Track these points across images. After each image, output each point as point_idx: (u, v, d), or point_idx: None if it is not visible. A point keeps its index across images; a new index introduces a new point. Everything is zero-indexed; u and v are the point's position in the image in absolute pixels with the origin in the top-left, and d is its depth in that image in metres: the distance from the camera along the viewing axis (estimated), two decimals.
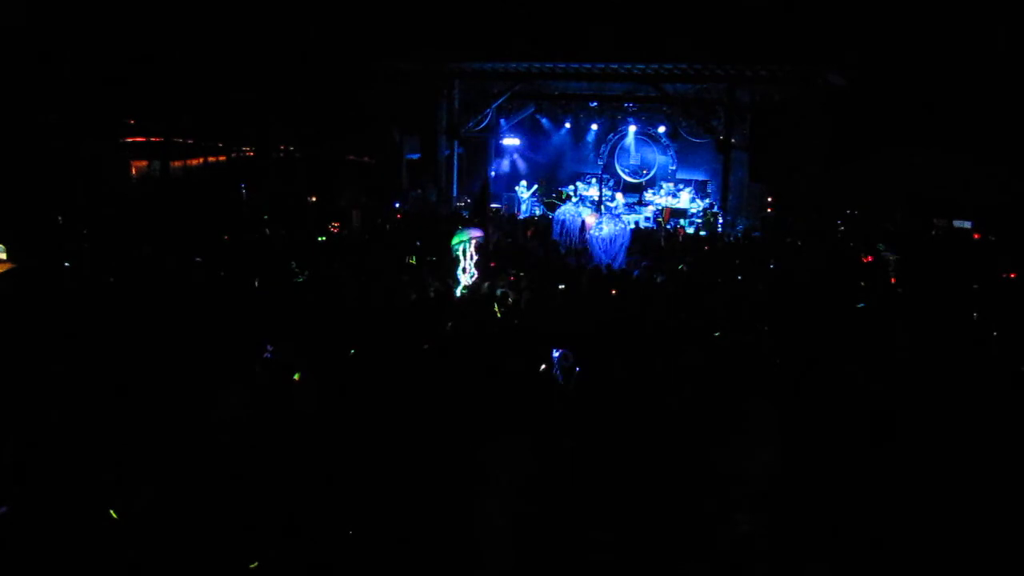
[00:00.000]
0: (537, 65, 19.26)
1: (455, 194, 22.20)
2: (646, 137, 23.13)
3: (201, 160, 22.54)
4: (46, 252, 10.27)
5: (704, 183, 22.70)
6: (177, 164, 21.85)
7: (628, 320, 7.88)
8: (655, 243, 15.64)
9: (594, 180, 22.83)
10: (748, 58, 17.22)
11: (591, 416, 5.29)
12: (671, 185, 22.30)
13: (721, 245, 16.28)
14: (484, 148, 24.38)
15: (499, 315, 8.36)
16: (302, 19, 19.38)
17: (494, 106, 22.53)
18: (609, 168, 23.52)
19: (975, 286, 10.76)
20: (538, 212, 21.42)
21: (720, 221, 19.37)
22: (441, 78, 21.11)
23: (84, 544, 3.72)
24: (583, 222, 14.54)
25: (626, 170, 23.57)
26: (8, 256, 9.19)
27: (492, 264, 11.34)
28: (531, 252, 13.35)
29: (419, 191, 21.82)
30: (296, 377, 5.52)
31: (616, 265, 12.37)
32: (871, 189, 19.01)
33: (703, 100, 20.50)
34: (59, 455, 4.29)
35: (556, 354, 6.15)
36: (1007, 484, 4.35)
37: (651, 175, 23.25)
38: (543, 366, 6.07)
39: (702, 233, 18.85)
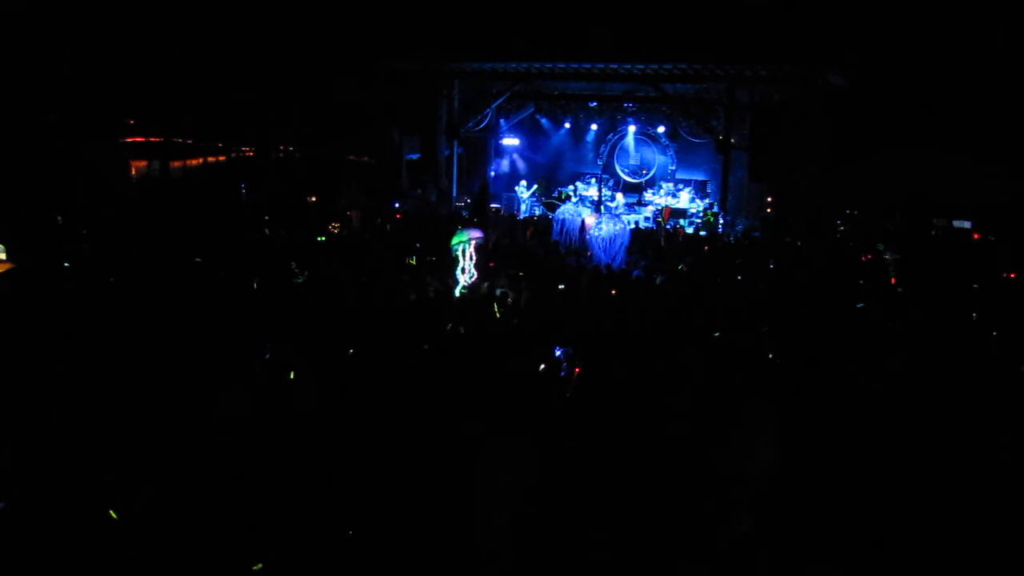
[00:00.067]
0: (537, 65, 19.26)
1: (455, 194, 22.20)
2: (646, 137, 23.14)
3: (201, 160, 22.54)
4: (46, 252, 10.27)
5: (704, 183, 22.71)
6: (177, 164, 21.84)
7: (628, 320, 7.89)
8: (655, 243, 15.64)
9: (594, 180, 22.83)
10: (748, 58, 17.22)
11: (591, 416, 5.29)
12: (671, 185, 22.30)
13: (721, 245, 16.28)
14: (484, 148, 24.38)
15: (498, 315, 8.37)
16: (302, 19, 19.37)
17: (494, 106, 22.54)
18: (609, 168, 23.52)
19: (975, 286, 10.77)
20: (538, 212, 21.42)
21: (721, 221, 19.36)
22: (441, 78, 21.11)
23: (84, 544, 3.72)
24: (583, 222, 14.55)
25: (626, 170, 23.57)
26: (8, 256, 9.19)
27: (492, 264, 11.34)
28: (531, 252, 13.35)
29: (419, 191, 21.82)
30: (292, 375, 5.51)
31: (616, 265, 12.38)
32: (871, 189, 19.01)
33: (703, 100, 20.51)
34: (59, 455, 4.29)
35: (559, 352, 6.16)
36: (1007, 484, 4.35)
37: (651, 175, 23.25)
38: (542, 366, 6.08)
39: (702, 233, 18.85)
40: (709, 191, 22.36)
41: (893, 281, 11.83)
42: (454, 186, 22.30)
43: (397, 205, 20.17)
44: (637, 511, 4.11)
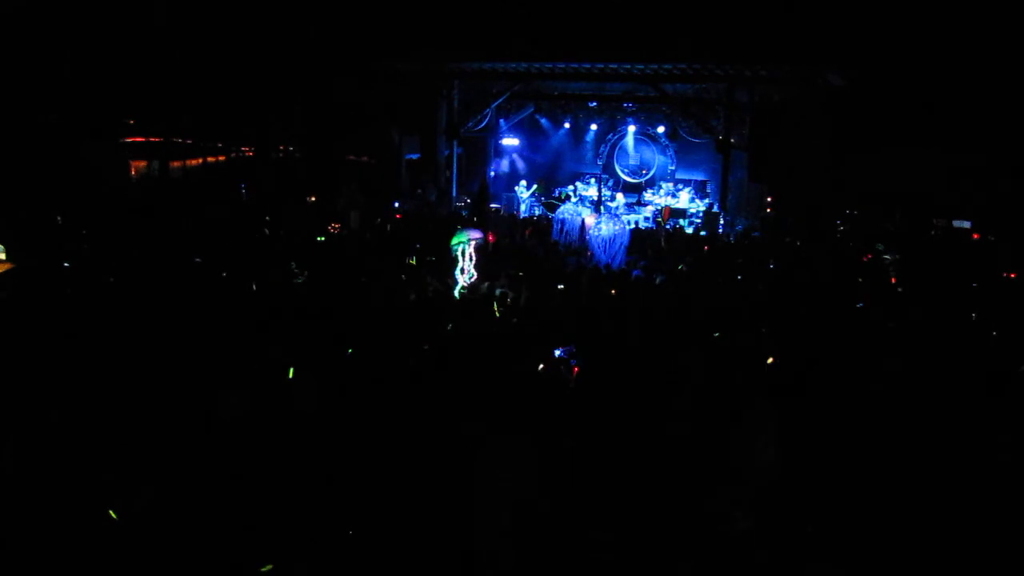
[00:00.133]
0: (537, 65, 19.26)
1: (454, 194, 22.20)
2: (645, 137, 23.15)
3: (201, 160, 22.54)
4: (46, 252, 10.27)
5: (703, 183, 22.72)
6: (176, 164, 21.84)
7: (628, 320, 7.89)
8: (655, 243, 15.64)
9: (593, 180, 22.84)
10: (747, 58, 17.22)
11: (591, 416, 5.29)
12: (670, 185, 22.31)
13: (721, 245, 16.28)
14: (483, 148, 24.38)
15: (498, 315, 8.37)
16: (302, 19, 19.37)
17: (493, 106, 22.54)
18: (608, 168, 23.53)
19: (975, 286, 10.77)
20: (537, 212, 21.42)
21: (721, 221, 19.37)
22: (441, 78, 21.12)
23: (84, 544, 3.72)
24: (583, 222, 14.55)
25: (625, 170, 23.58)
26: (8, 256, 9.19)
27: (492, 264, 11.34)
28: (531, 252, 13.35)
29: (419, 191, 21.82)
30: (292, 375, 5.51)
31: (616, 265, 12.38)
32: (871, 189, 19.02)
33: (702, 100, 20.53)
34: (59, 455, 4.29)
35: (559, 353, 6.16)
36: (1007, 484, 4.35)
37: (650, 175, 23.26)
38: (541, 366, 6.08)
39: (702, 233, 18.86)
40: (709, 191, 22.37)
41: (893, 281, 11.83)
42: (454, 186, 22.30)
43: (397, 205, 20.17)
44: (637, 511, 4.11)
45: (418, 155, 22.39)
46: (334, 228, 15.36)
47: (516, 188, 22.77)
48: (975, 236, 16.85)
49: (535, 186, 22.62)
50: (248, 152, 23.81)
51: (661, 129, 22.65)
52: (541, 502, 3.96)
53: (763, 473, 4.08)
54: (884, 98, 18.29)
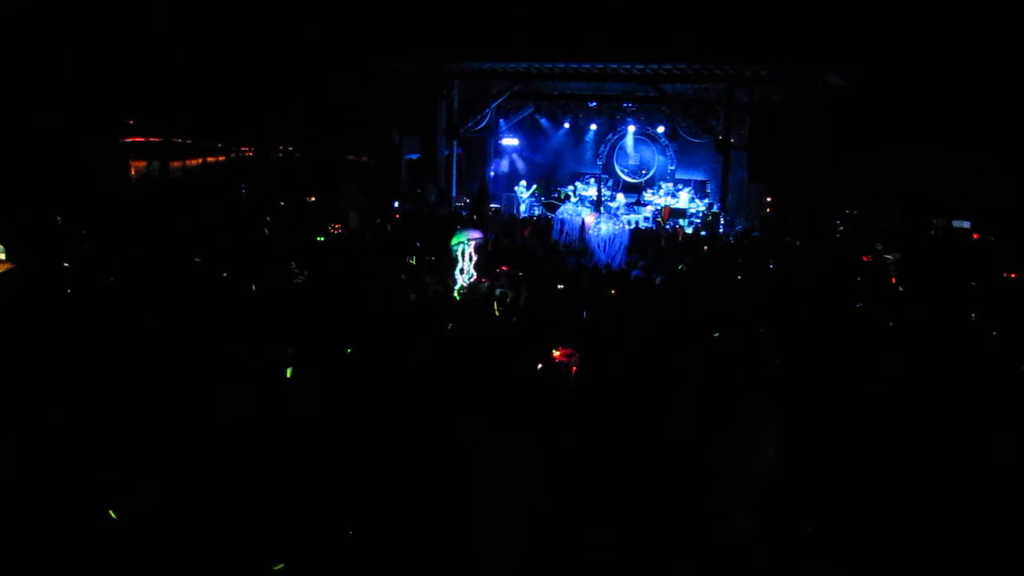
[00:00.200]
0: (537, 65, 19.27)
1: (454, 194, 22.21)
2: (645, 137, 23.15)
3: (201, 160, 22.54)
4: (46, 252, 10.27)
5: (703, 183, 22.72)
6: (176, 164, 21.85)
7: (628, 320, 7.89)
8: (655, 243, 15.65)
9: (593, 180, 22.84)
10: (747, 58, 17.22)
11: (591, 416, 5.29)
12: (670, 185, 22.31)
13: (721, 245, 16.29)
14: (483, 148, 24.39)
15: (498, 315, 8.37)
16: (302, 19, 19.37)
17: (493, 106, 22.55)
18: (608, 168, 23.53)
19: (974, 286, 10.78)
20: (537, 212, 21.42)
21: (722, 221, 19.38)
22: (441, 78, 21.12)
23: (84, 544, 3.72)
24: (583, 222, 14.55)
25: (625, 170, 23.58)
26: (8, 256, 9.19)
27: (491, 264, 11.34)
28: (531, 252, 13.36)
29: (418, 191, 21.83)
30: (292, 375, 5.51)
31: (616, 265, 12.38)
32: (871, 189, 19.02)
33: (702, 100, 20.53)
34: (59, 455, 4.29)
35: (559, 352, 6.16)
36: (1007, 484, 4.35)
37: (650, 175, 23.26)
38: (540, 365, 6.08)
39: (702, 233, 18.87)
40: (709, 191, 22.37)
41: (894, 281, 11.84)
42: (453, 186, 22.30)
43: (397, 205, 20.18)
44: (637, 511, 4.11)
45: (418, 155, 22.40)
46: (334, 228, 15.36)
47: (516, 188, 22.77)
48: (975, 236, 16.86)
49: (535, 186, 22.62)
50: (248, 152, 23.82)
51: (661, 129, 22.65)
52: (541, 502, 3.96)
53: (763, 473, 4.08)
54: (884, 98, 18.31)
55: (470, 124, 22.23)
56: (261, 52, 19.42)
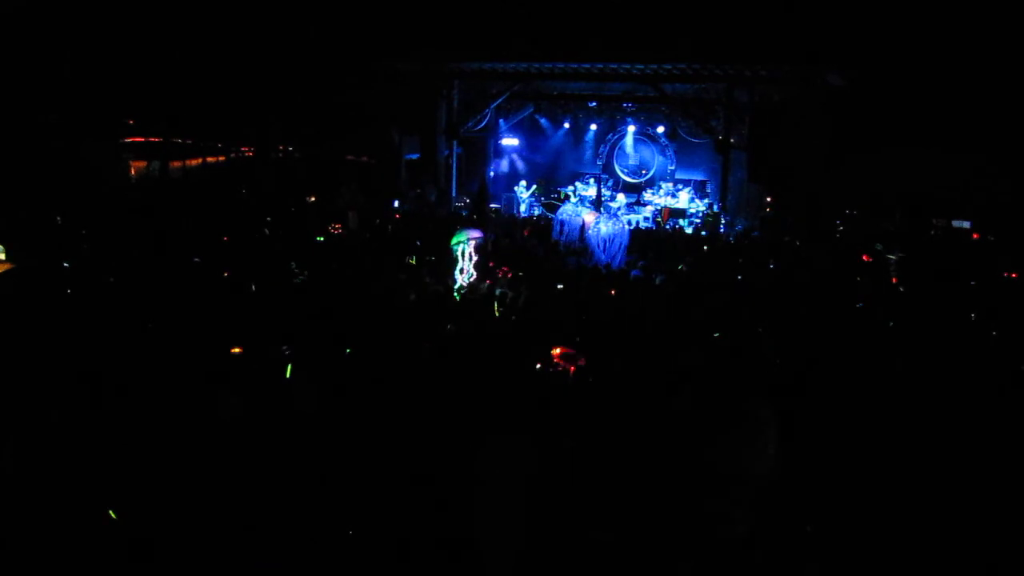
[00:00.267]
0: (536, 65, 19.27)
1: (454, 194, 22.21)
2: (645, 137, 23.15)
3: (200, 160, 22.55)
4: (46, 252, 10.27)
5: (703, 183, 22.72)
6: (176, 164, 21.86)
7: (628, 320, 7.89)
8: (655, 243, 15.65)
9: (593, 180, 22.84)
10: (747, 58, 17.23)
11: (591, 416, 5.29)
12: (670, 185, 22.31)
13: (721, 245, 16.29)
14: (483, 148, 24.39)
15: (498, 315, 8.37)
16: (302, 19, 19.38)
17: (493, 106, 22.54)
18: (608, 168, 23.53)
19: (974, 285, 10.78)
20: (537, 212, 21.42)
21: (722, 221, 19.38)
22: (441, 78, 21.13)
23: (84, 544, 3.72)
24: (583, 222, 14.55)
25: (625, 170, 23.58)
26: (8, 256, 9.19)
27: (491, 264, 11.34)
28: (531, 252, 13.36)
29: (418, 191, 21.84)
30: (291, 375, 5.51)
31: (616, 265, 12.38)
32: (871, 189, 19.03)
33: (702, 100, 20.53)
34: (59, 455, 4.29)
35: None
36: (1007, 484, 4.35)
37: (650, 175, 23.27)
38: (540, 365, 6.08)
39: (702, 233, 18.87)
40: (708, 191, 22.37)
41: (894, 281, 11.84)
42: (453, 186, 22.31)
43: (396, 205, 20.18)
44: (637, 511, 4.11)
45: (418, 155, 22.41)
46: (334, 228, 15.36)
47: (516, 188, 22.77)
48: (975, 236, 16.86)
49: (535, 186, 22.62)
50: (248, 152, 23.83)
51: (661, 129, 22.65)
52: (541, 502, 3.96)
53: (763, 473, 4.08)
54: (884, 98, 18.31)
55: (470, 124, 22.23)
56: (261, 52, 19.43)
